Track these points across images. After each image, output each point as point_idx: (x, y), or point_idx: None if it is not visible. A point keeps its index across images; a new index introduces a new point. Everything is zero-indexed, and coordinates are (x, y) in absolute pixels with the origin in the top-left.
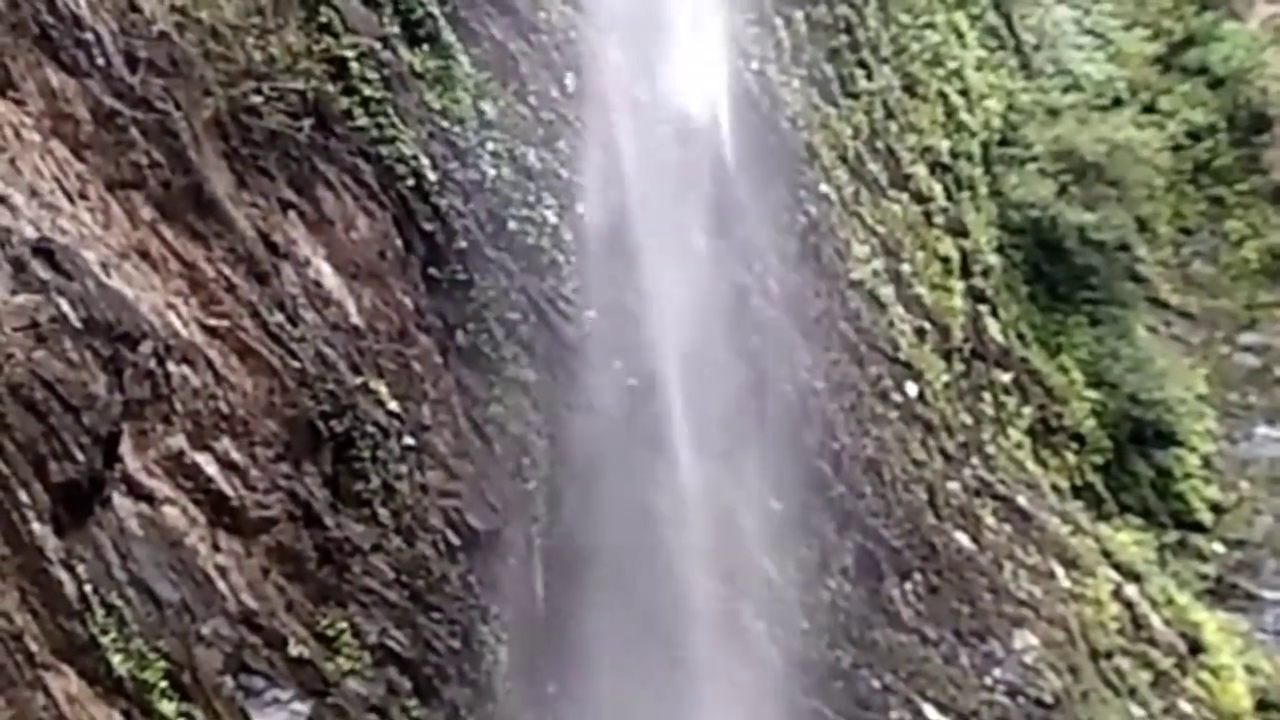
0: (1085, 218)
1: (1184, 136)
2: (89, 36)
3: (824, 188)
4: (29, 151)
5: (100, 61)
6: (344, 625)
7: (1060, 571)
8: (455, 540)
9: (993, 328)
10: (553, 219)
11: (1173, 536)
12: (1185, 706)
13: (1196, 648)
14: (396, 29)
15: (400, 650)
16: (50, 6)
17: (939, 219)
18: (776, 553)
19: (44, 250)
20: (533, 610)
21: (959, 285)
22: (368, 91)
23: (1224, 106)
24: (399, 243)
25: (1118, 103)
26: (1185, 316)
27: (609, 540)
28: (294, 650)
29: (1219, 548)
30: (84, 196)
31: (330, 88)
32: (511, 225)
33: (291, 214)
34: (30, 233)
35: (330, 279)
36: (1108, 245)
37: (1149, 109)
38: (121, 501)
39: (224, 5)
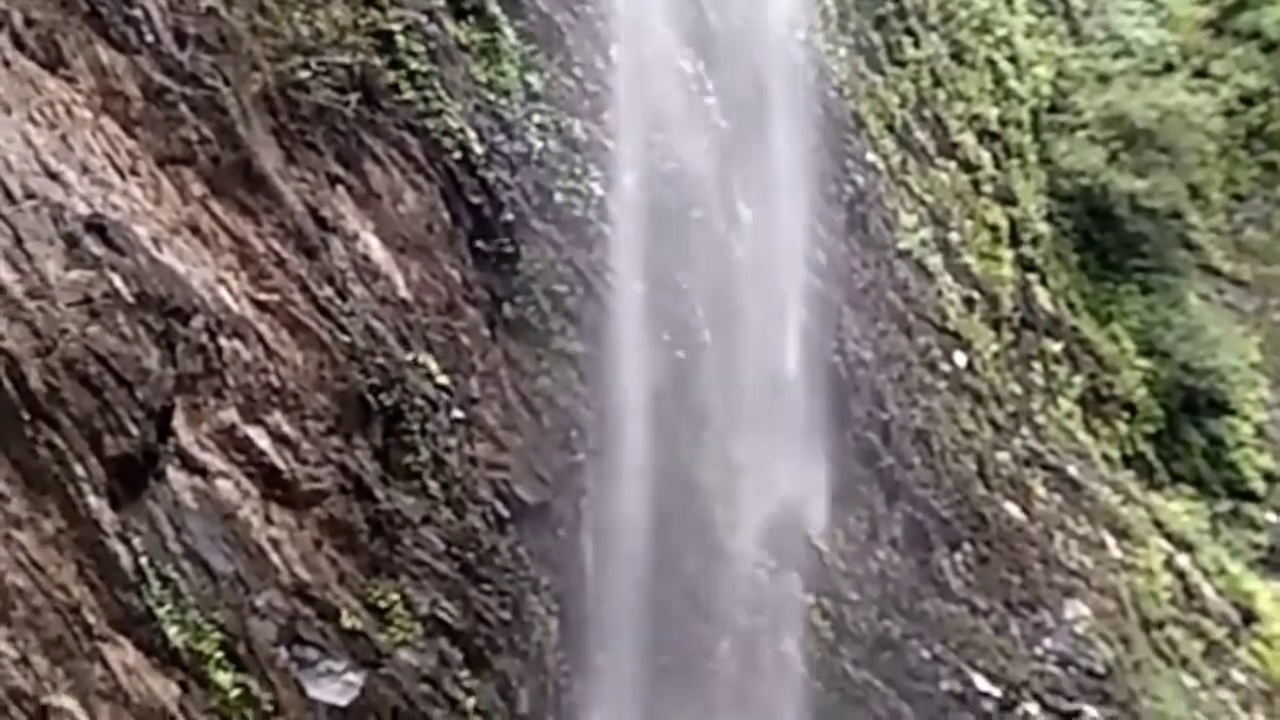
0: (1136, 185)
1: (1236, 101)
2: (138, 13)
3: (871, 157)
4: (80, 128)
5: (149, 38)
6: (395, 597)
7: (1111, 541)
8: (504, 512)
9: (1042, 296)
10: (599, 191)
11: (1225, 506)
12: (1238, 676)
13: (1249, 617)
14: (442, 2)
15: (451, 621)
16: None
17: (987, 187)
18: (825, 524)
19: (96, 226)
20: (582, 582)
21: (1008, 254)
22: (414, 65)
23: (1277, 70)
24: (446, 216)
25: (1169, 68)
26: (1238, 284)
27: (656, 513)
28: (346, 622)
29: (1272, 517)
30: (135, 173)
31: (377, 62)
32: (558, 197)
33: (339, 188)
34: (83, 209)
35: (378, 253)
36: (1159, 212)
37: (1200, 74)
38: (175, 475)
39: None
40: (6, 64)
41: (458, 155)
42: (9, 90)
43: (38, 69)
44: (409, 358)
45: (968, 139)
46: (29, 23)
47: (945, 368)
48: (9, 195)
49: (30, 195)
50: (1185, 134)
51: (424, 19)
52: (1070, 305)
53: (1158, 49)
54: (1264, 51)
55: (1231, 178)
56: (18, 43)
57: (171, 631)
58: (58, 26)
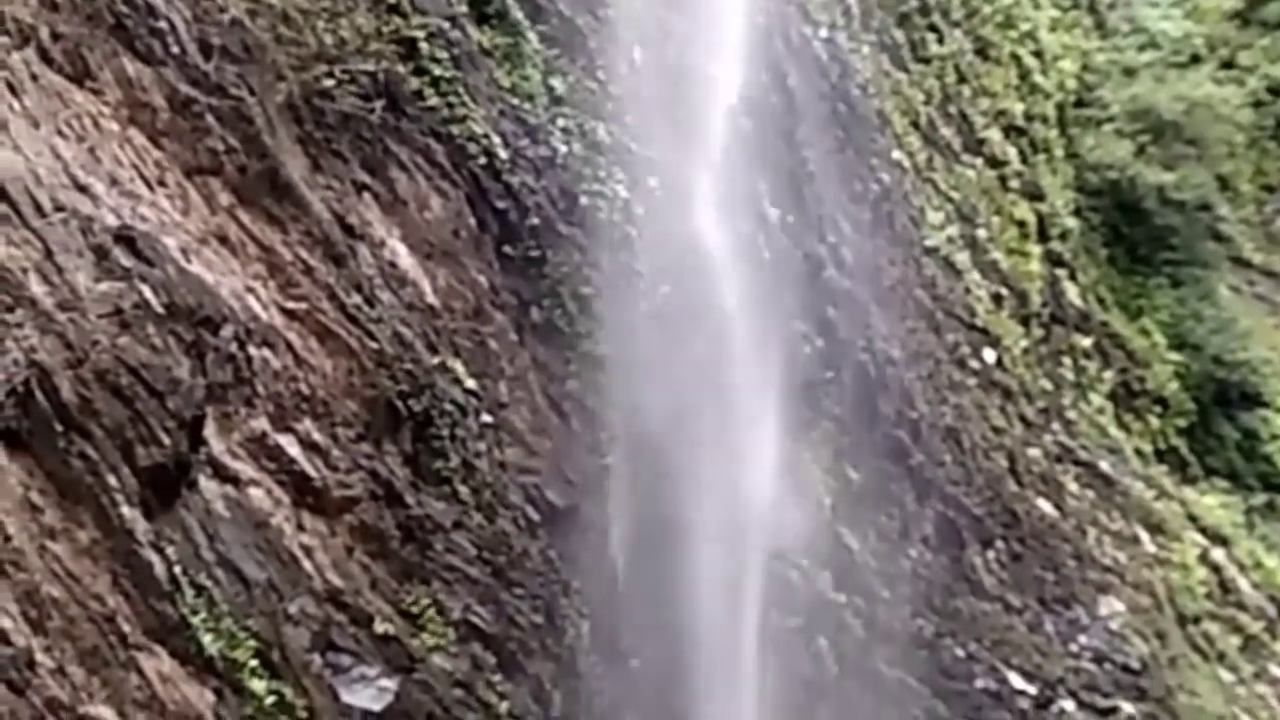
0: (1164, 178)
1: (1264, 92)
2: (163, 25)
3: (896, 154)
4: (108, 140)
5: (175, 49)
6: (428, 602)
7: (1145, 536)
8: (535, 516)
9: (1071, 292)
10: (624, 193)
11: (1260, 499)
12: (1276, 670)
13: None
14: (464, 8)
15: (484, 626)
16: None
17: (1014, 183)
18: (856, 523)
19: (125, 237)
20: (614, 585)
21: (1036, 249)
22: (438, 71)
23: None
24: (472, 221)
25: (1195, 59)
26: (1269, 275)
27: (686, 514)
28: (379, 627)
29: None
30: (162, 183)
31: (401, 68)
32: (583, 201)
33: (366, 195)
34: (111, 220)
35: (405, 259)
36: (1188, 205)
37: (1228, 65)
38: (207, 484)
39: None
40: (34, 78)
41: (483, 160)
42: (37, 104)
43: (65, 82)
44: (437, 363)
45: (994, 135)
46: (55, 37)
47: (974, 365)
48: (39, 208)
49: (59, 208)
50: (1213, 126)
51: (447, 25)
52: (1100, 300)
53: (1184, 41)
54: None
55: (1260, 169)
56: (45, 57)
57: (206, 639)
58: (84, 40)
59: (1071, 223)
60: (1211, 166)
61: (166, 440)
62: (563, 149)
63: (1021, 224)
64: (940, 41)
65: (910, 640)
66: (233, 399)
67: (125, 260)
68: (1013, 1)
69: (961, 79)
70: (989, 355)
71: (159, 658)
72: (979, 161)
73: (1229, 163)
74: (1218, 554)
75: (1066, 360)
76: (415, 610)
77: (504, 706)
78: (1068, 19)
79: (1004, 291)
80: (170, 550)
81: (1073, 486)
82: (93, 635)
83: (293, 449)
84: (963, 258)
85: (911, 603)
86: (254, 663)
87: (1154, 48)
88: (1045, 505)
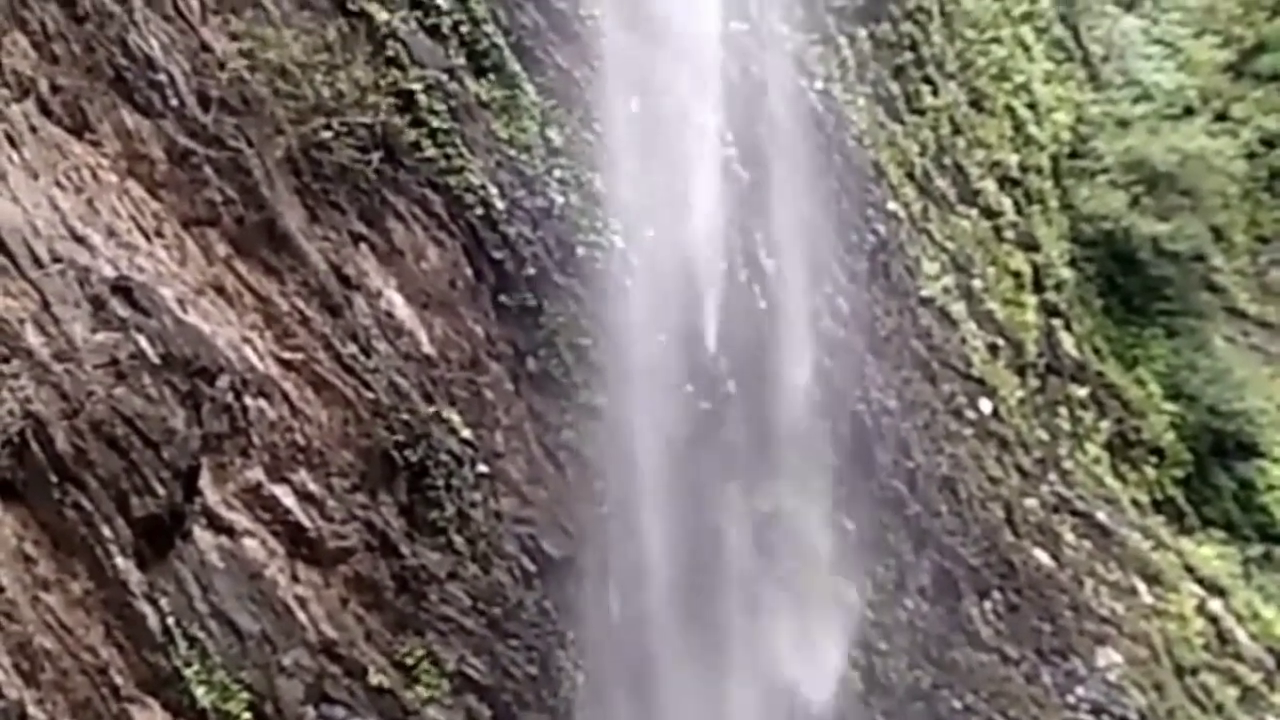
0: (1159, 228)
1: (1258, 144)
2: (162, 78)
3: (892, 205)
4: (106, 191)
5: (174, 102)
6: (422, 653)
7: (1142, 587)
8: (531, 566)
9: (1067, 342)
10: (620, 244)
11: (1257, 550)
12: None
13: None
14: (462, 60)
15: (479, 677)
16: (124, 49)
17: (1009, 234)
18: (852, 573)
19: (122, 288)
20: (609, 635)
21: (1031, 300)
22: (435, 123)
23: None
24: (469, 271)
25: (1189, 112)
26: (1264, 326)
27: (684, 564)
28: (374, 679)
29: None
30: (160, 234)
31: (398, 120)
32: (580, 251)
33: (363, 246)
34: (109, 271)
35: (402, 309)
36: (1182, 256)
37: (1221, 117)
38: (202, 534)
39: (292, 44)
40: (34, 130)
41: (479, 211)
42: (36, 156)
43: (64, 134)
44: (433, 413)
45: (988, 186)
46: (55, 89)
47: (970, 415)
48: (36, 259)
49: (57, 259)
50: (1207, 177)
51: (444, 77)
52: (1095, 350)
53: (1177, 93)
54: None
55: (1255, 220)
56: (44, 109)
57: (199, 692)
58: (83, 93)
59: (1067, 273)
60: (1206, 218)
61: (161, 491)
62: (559, 200)
63: (1017, 274)
64: (935, 93)
65: (908, 692)
66: (228, 449)
67: (122, 311)
68: (1007, 54)
69: (956, 130)
70: (985, 405)
71: (151, 710)
72: (974, 212)
73: (1223, 214)
74: (1215, 605)
75: (1063, 410)
76: (410, 662)
77: None
78: (1061, 71)
79: (1000, 341)
80: (164, 601)
81: (1069, 537)
82: (85, 687)
83: (288, 499)
84: (958, 308)
85: (909, 654)
86: (247, 715)
87: (1148, 100)
88: (1042, 555)
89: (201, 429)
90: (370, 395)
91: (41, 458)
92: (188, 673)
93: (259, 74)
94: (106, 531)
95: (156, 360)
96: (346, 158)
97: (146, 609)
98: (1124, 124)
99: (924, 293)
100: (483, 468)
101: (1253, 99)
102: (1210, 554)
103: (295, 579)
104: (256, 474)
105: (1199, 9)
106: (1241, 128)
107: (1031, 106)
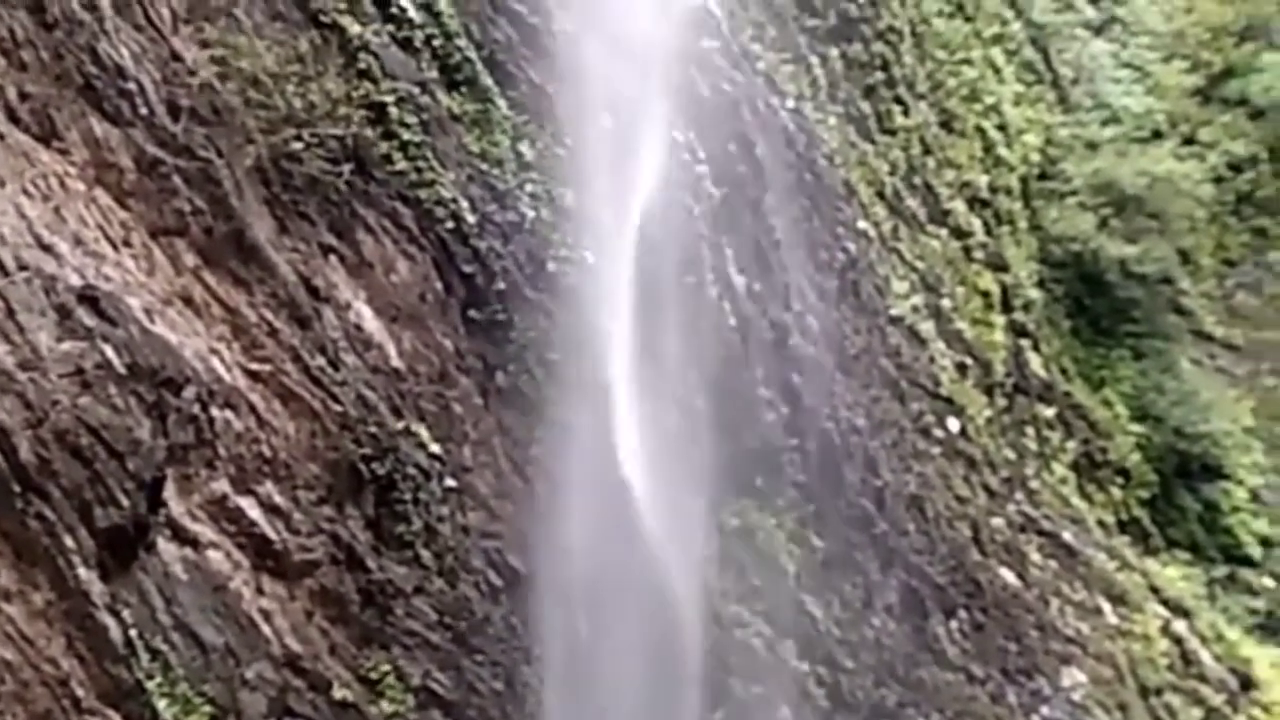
0: (1127, 251)
1: (1225, 168)
2: (132, 86)
3: (862, 224)
4: (74, 200)
5: (143, 111)
6: (387, 668)
7: (1108, 608)
8: (498, 582)
9: (1035, 362)
10: (591, 259)
11: (1221, 571)
12: None
13: (1248, 684)
14: (434, 74)
15: (444, 693)
16: (94, 58)
17: (978, 254)
18: (820, 591)
19: (89, 297)
20: (575, 652)
21: (1000, 320)
22: (406, 136)
23: (1265, 138)
24: (439, 285)
25: (1157, 135)
26: (1230, 349)
27: (650, 581)
28: (338, 693)
29: (1269, 582)
30: (128, 244)
31: (369, 133)
32: (550, 266)
33: (332, 258)
34: (75, 280)
35: (371, 322)
36: (1150, 278)
37: (1189, 141)
38: (166, 546)
39: (264, 54)
40: (1, 137)
41: (450, 225)
42: (3, 163)
43: (32, 142)
44: (401, 427)
45: (958, 206)
46: (23, 96)
47: (938, 434)
48: (2, 267)
49: (23, 267)
50: (1175, 200)
51: (416, 90)
52: (1063, 370)
53: (1145, 116)
54: (1251, 119)
55: (1221, 243)
56: (12, 116)
57: (161, 705)
58: (52, 100)
59: (1035, 294)
60: (1173, 240)
61: (125, 502)
62: (530, 214)
63: (986, 294)
64: (906, 114)
65: (873, 710)
66: (193, 461)
67: (88, 320)
68: (977, 75)
69: (927, 150)
70: (953, 424)
71: None
72: (944, 232)
73: (1190, 237)
74: (1179, 626)
75: (1030, 430)
76: (374, 676)
77: None
78: (1031, 93)
79: (968, 361)
80: (126, 613)
81: (1036, 557)
82: (46, 699)
83: (253, 511)
84: (927, 327)
85: (875, 672)
86: None
87: (1116, 123)
88: (1008, 575)
89: (167, 440)
90: (338, 408)
91: (4, 467)
92: (150, 685)
93: (230, 84)
94: (69, 542)
95: (122, 370)
96: (317, 169)
97: (109, 621)
98: (1093, 146)
99: (893, 311)
100: (451, 482)
101: (1220, 124)
102: (1175, 575)
103: (260, 592)
104: (222, 486)
105: (1168, 34)
106: (1209, 152)
107: (1001, 128)
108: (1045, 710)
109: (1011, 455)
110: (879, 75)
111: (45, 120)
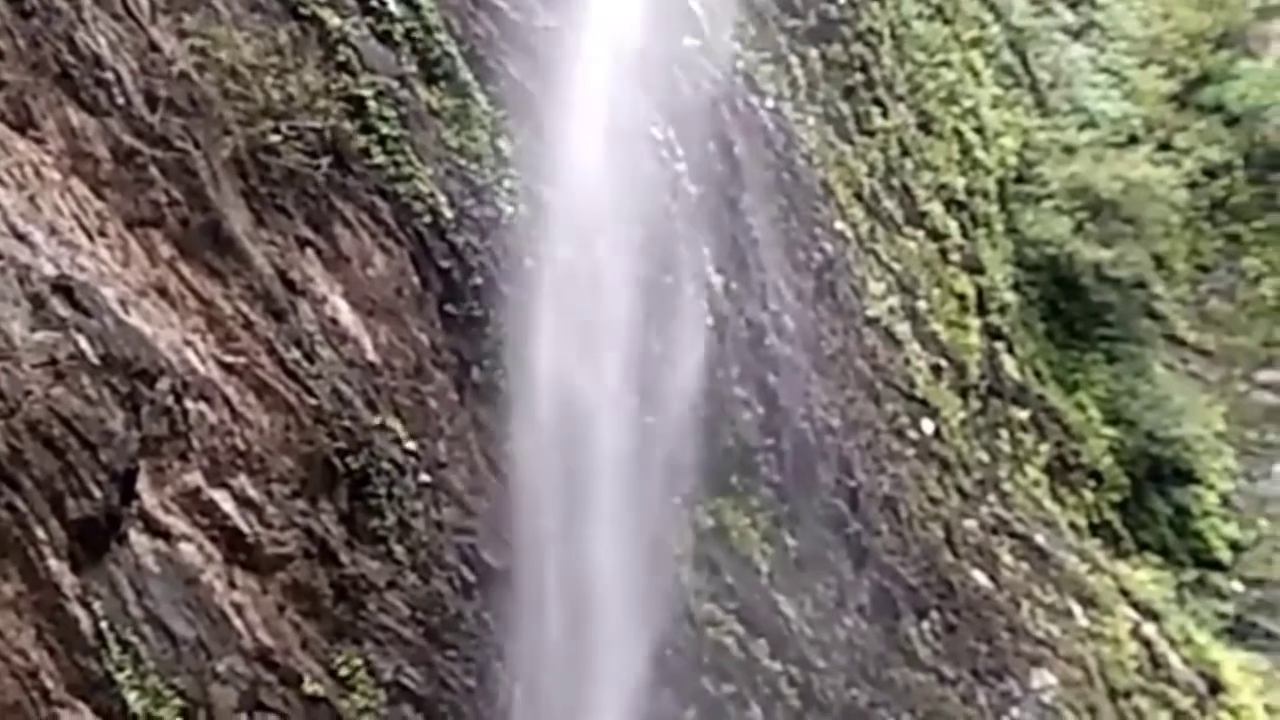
0: (1102, 255)
1: (1200, 174)
2: (109, 76)
3: (839, 225)
4: (49, 189)
5: (120, 100)
6: (359, 663)
7: (1078, 610)
8: (471, 577)
9: (1009, 365)
10: (568, 255)
11: (1191, 575)
12: None
13: (1216, 687)
14: (414, 68)
15: (415, 688)
16: (71, 46)
17: (955, 256)
18: (793, 591)
19: (63, 287)
20: (548, 648)
21: (975, 322)
22: (385, 130)
23: (1240, 144)
24: (416, 280)
25: (1133, 140)
26: (1203, 354)
27: (624, 578)
28: (309, 688)
29: (1238, 586)
30: (103, 234)
31: (348, 126)
32: (528, 262)
33: (309, 251)
34: (49, 270)
35: (347, 316)
36: (1124, 282)
37: (1165, 146)
38: (138, 538)
39: (243, 45)
40: None
41: (428, 219)
42: None
43: (7, 130)
44: (376, 421)
45: (935, 208)
46: None
47: (913, 435)
48: None
49: None
50: (1150, 205)
51: (395, 84)
52: (1037, 373)
53: (1122, 122)
54: (1227, 125)
55: (1196, 249)
56: None
57: (131, 697)
58: (28, 88)
59: (1010, 297)
60: (1148, 245)
61: (97, 493)
62: (508, 210)
63: (961, 297)
64: (884, 115)
65: (844, 710)
66: (167, 452)
67: (62, 310)
68: (956, 78)
69: (905, 152)
70: (927, 426)
71: (82, 714)
72: (920, 234)
73: (1165, 242)
74: (1149, 629)
75: (1003, 433)
76: (346, 671)
77: None
78: (1009, 97)
79: (943, 363)
80: (97, 605)
81: (1008, 559)
82: (14, 691)
83: (226, 504)
84: (903, 329)
85: (846, 672)
86: None
87: (1093, 127)
88: (980, 577)
89: (140, 431)
90: (313, 401)
91: None
92: (120, 677)
93: (208, 75)
94: (40, 533)
95: (96, 361)
96: (295, 162)
97: (79, 612)
98: (1069, 150)
99: (869, 313)
100: (425, 477)
101: (1195, 130)
102: (1145, 578)
103: (232, 585)
104: (195, 478)
105: (1145, 40)
106: (1184, 157)
107: (979, 131)
108: (1015, 711)
109: (985, 457)
110: (858, 76)
111: (21, 109)
